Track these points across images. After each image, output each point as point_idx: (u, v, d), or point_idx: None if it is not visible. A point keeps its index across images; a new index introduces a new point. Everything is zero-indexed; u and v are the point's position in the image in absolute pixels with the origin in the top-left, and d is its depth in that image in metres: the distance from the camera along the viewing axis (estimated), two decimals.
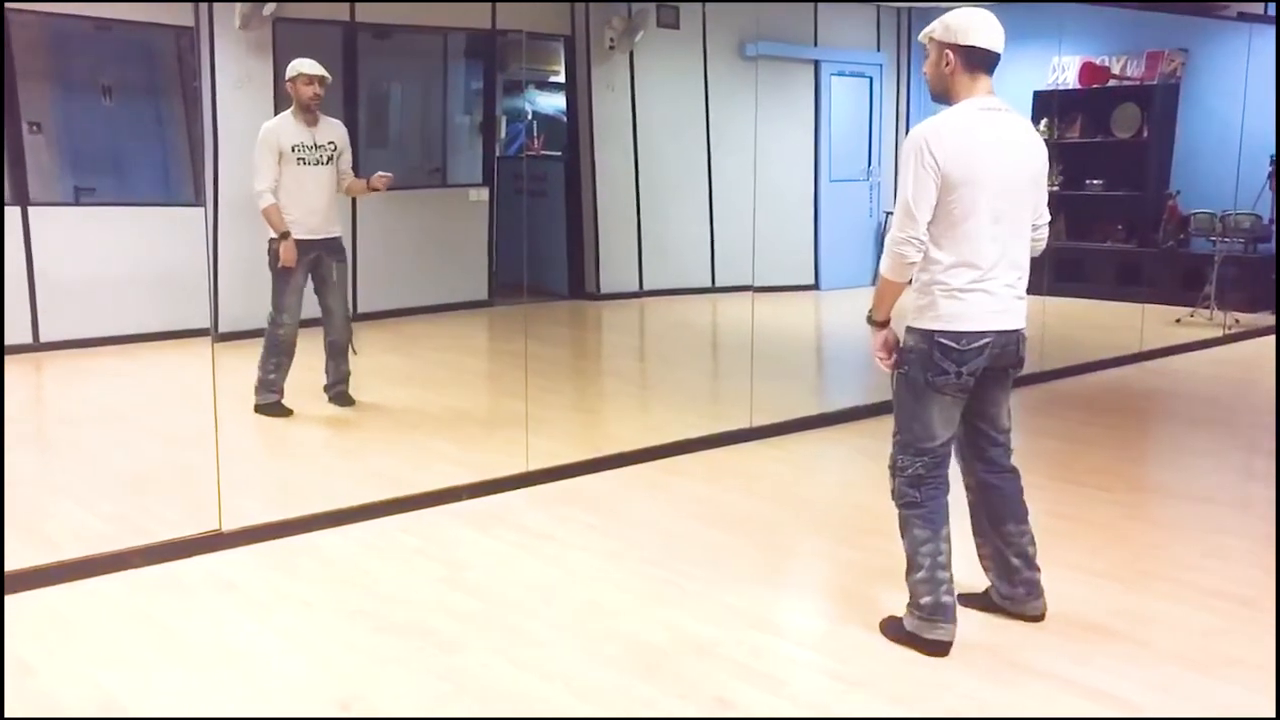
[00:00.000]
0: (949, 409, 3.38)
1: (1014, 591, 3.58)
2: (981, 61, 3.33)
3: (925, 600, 3.38)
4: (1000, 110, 3.34)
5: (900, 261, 3.29)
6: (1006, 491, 3.56)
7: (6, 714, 3.08)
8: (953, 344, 3.29)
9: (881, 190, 11.02)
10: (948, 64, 3.34)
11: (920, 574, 3.40)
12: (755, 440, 5.79)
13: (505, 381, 6.57)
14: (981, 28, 3.32)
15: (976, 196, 3.24)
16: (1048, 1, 8.48)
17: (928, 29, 3.41)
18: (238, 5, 7.18)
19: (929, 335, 3.31)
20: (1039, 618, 3.58)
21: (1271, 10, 9.06)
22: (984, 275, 3.29)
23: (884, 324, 3.45)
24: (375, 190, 6.10)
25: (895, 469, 3.47)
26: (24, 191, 7.50)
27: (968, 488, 3.61)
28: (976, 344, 3.30)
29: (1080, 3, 8.91)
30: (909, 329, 3.38)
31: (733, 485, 5.12)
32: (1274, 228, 9.36)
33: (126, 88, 8.50)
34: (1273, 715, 3.15)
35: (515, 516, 4.64)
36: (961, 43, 3.31)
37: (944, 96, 3.39)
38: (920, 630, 3.39)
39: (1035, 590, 3.57)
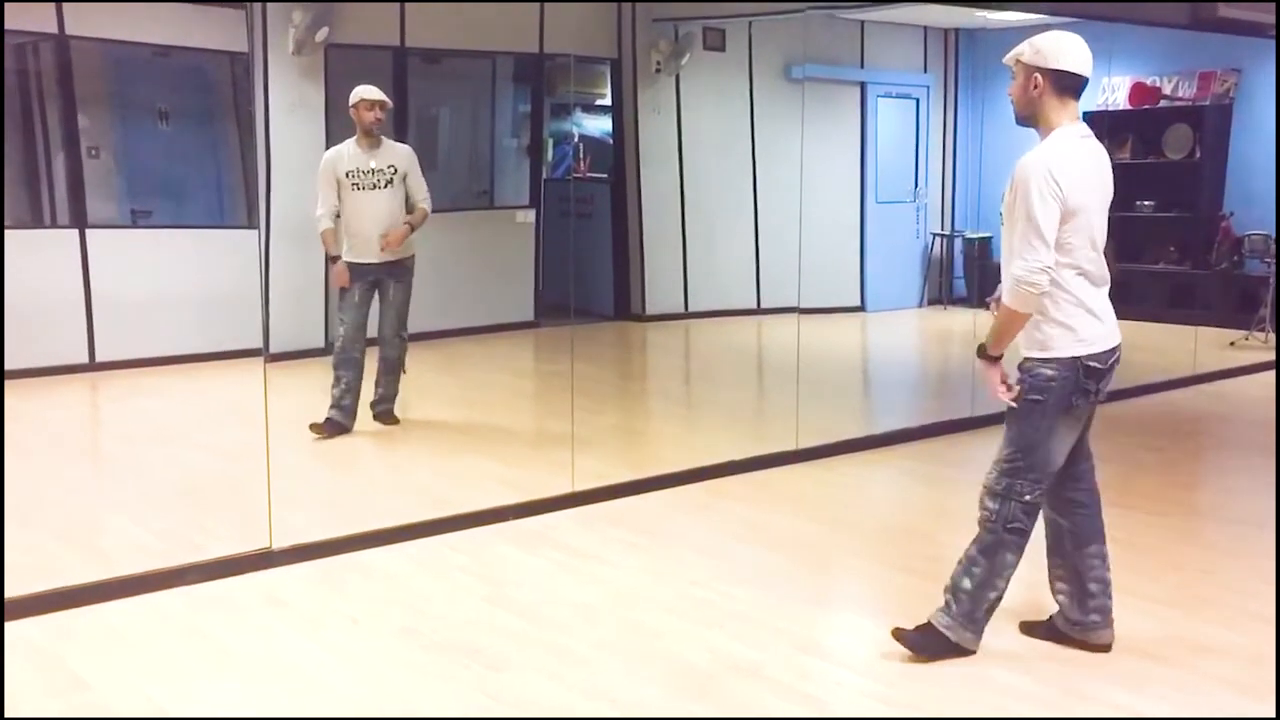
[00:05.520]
0: (1071, 434, 3.42)
1: (1086, 619, 3.53)
2: (1071, 86, 3.31)
3: (980, 615, 3.43)
4: (1091, 137, 3.36)
5: (1033, 292, 3.22)
6: (1094, 511, 3.55)
7: (7, 714, 3.14)
8: (1099, 365, 3.33)
9: (928, 212, 10.97)
10: (1036, 87, 3.30)
11: (992, 595, 3.42)
12: (801, 462, 5.76)
13: (551, 402, 6.60)
14: (1072, 52, 3.29)
15: (1087, 224, 3.28)
16: (1097, 13, 8.42)
17: (1015, 51, 3.38)
18: (291, 31, 7.31)
19: (1073, 362, 3.31)
20: (1106, 647, 3.52)
21: None
22: (1099, 295, 3.36)
23: (999, 358, 3.41)
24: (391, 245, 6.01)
25: (1011, 494, 3.38)
26: (82, 214, 7.66)
27: (1054, 509, 3.56)
28: (1110, 361, 3.37)
29: (1130, 23, 8.84)
30: (1042, 359, 3.33)
31: (779, 507, 5.10)
32: None
33: (183, 112, 8.67)
34: (1273, 715, 3.13)
35: (561, 536, 4.65)
36: (1052, 67, 3.28)
37: (1030, 120, 3.37)
38: (968, 643, 3.44)
39: (1107, 619, 3.53)
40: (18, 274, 6.64)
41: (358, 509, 4.90)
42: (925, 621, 3.49)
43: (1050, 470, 3.41)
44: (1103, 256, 3.38)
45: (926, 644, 3.45)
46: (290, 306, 7.05)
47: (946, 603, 3.46)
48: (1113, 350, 3.38)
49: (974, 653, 3.45)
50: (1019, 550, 3.42)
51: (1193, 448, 6.74)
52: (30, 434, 5.91)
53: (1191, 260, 10.03)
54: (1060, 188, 3.20)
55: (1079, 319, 3.30)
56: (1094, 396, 3.37)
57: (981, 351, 3.42)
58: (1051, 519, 3.57)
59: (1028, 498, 3.38)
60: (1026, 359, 3.38)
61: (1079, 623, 3.54)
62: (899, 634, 3.51)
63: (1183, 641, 3.64)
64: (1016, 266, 3.23)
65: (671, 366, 9.66)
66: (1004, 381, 3.41)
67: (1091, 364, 3.32)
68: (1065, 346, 3.31)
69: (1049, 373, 3.33)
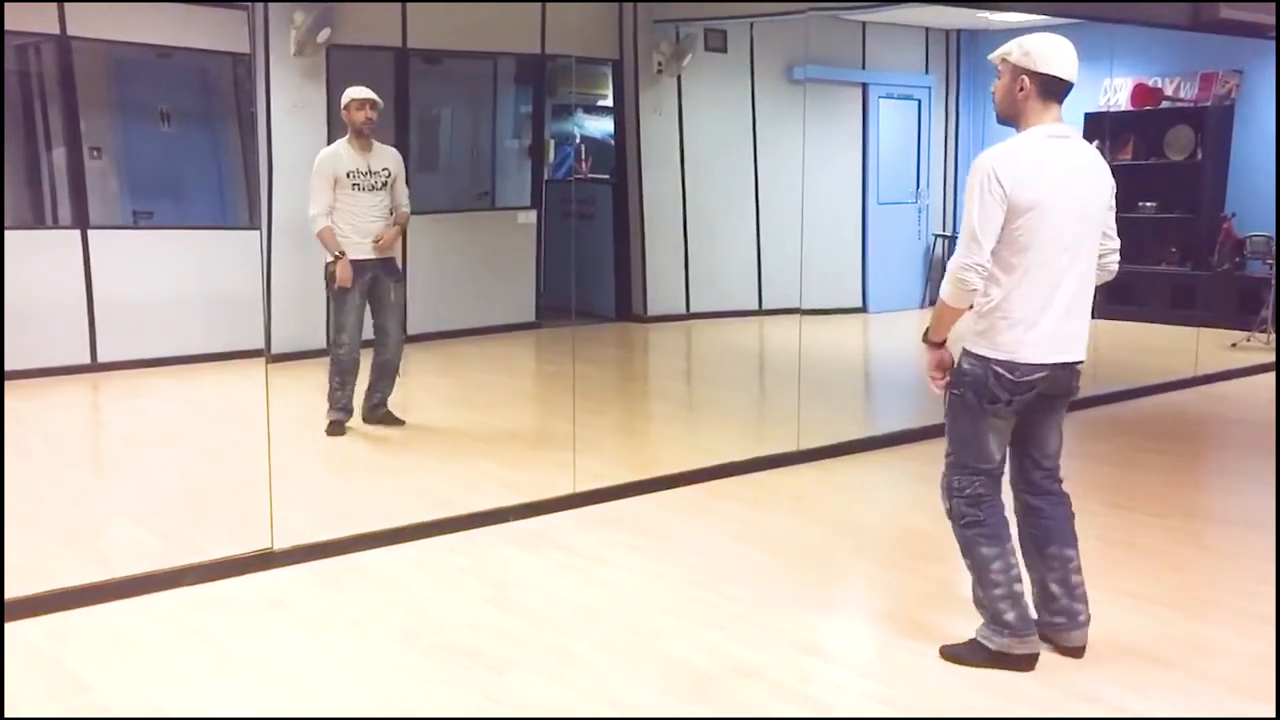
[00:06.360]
0: (1003, 429, 3.38)
1: (1051, 620, 3.50)
2: (1057, 91, 3.29)
3: (1010, 616, 3.37)
4: (1068, 137, 3.31)
5: (963, 289, 3.25)
6: (1050, 515, 3.51)
7: (7, 715, 3.14)
8: (1008, 374, 3.28)
9: (930, 213, 10.96)
10: (1022, 89, 3.29)
11: (999, 591, 3.38)
12: (803, 463, 5.76)
13: (552, 403, 6.61)
14: (1060, 57, 3.27)
15: (1044, 224, 3.22)
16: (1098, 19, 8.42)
17: (1002, 50, 3.35)
18: (293, 32, 7.31)
19: (985, 362, 3.30)
20: (1076, 651, 3.49)
21: None
22: (1047, 305, 3.26)
23: (940, 345, 3.44)
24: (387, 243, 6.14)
25: (952, 491, 3.44)
26: (84, 215, 7.66)
27: (1015, 510, 3.57)
28: (1031, 377, 3.28)
29: (1132, 24, 8.84)
30: (965, 351, 3.36)
31: (780, 508, 5.10)
32: None
33: (185, 113, 8.67)
34: (1273, 716, 3.13)
35: (562, 537, 4.65)
36: (1039, 70, 3.26)
37: (1012, 120, 3.35)
38: (1011, 648, 3.38)
39: (1074, 621, 3.49)
40: (19, 274, 6.63)
41: (359, 510, 4.90)
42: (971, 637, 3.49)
43: (983, 465, 3.38)
44: (1084, 260, 3.31)
45: (972, 654, 3.45)
46: (292, 307, 7.03)
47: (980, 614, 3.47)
48: (1038, 367, 3.27)
49: (1023, 656, 3.37)
50: (992, 541, 3.38)
51: (1194, 449, 6.74)
52: (31, 435, 5.92)
53: (1193, 261, 10.02)
54: (1002, 185, 3.18)
55: (999, 323, 3.27)
56: (1007, 406, 3.31)
57: (925, 336, 3.45)
58: (1016, 520, 3.57)
59: (968, 492, 3.40)
60: (962, 349, 3.40)
61: (1045, 623, 3.51)
62: (945, 651, 3.50)
63: (1183, 642, 3.63)
64: (951, 261, 3.26)
65: (673, 367, 9.66)
66: (940, 368, 3.44)
67: (1000, 371, 3.27)
68: (979, 345, 3.32)
69: (965, 366, 3.36)
